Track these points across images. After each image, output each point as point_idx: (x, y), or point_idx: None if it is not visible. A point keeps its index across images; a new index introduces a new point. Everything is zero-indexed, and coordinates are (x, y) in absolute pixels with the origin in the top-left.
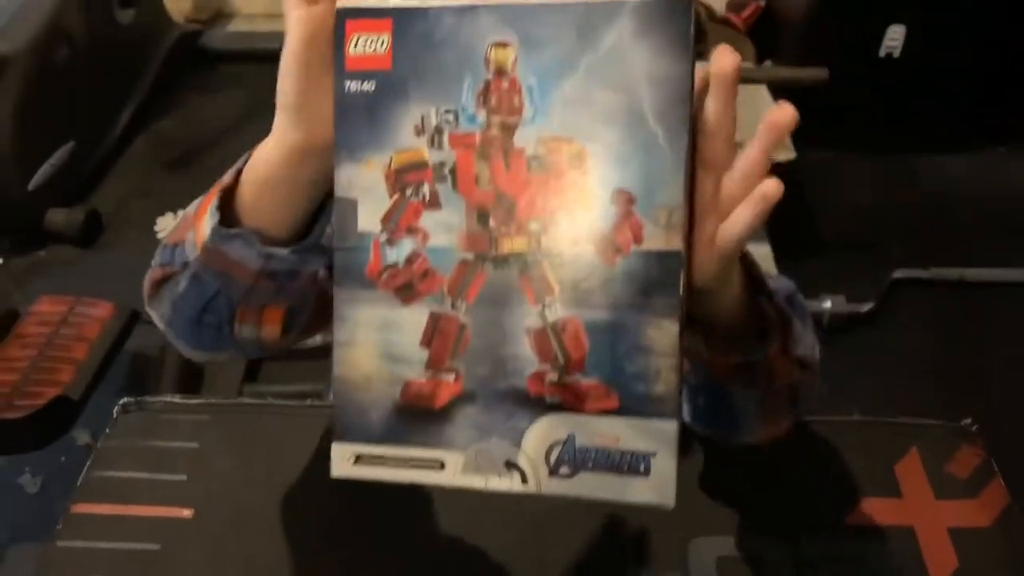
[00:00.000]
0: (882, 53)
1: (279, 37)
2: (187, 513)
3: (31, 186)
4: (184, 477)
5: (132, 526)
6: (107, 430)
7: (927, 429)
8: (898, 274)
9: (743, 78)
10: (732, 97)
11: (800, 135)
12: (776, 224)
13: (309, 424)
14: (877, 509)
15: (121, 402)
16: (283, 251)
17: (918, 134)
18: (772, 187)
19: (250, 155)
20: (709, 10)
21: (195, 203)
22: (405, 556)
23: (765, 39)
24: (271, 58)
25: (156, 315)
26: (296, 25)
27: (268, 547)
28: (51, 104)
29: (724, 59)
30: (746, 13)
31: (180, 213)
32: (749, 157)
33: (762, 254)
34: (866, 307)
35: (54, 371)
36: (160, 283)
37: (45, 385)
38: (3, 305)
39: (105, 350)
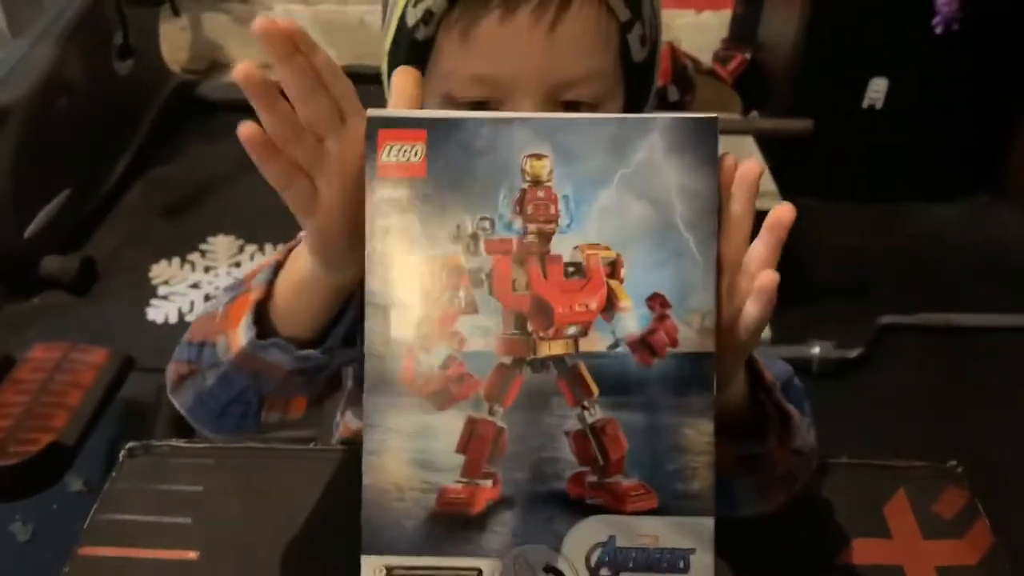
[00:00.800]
0: (865, 104)
1: None
2: (192, 556)
3: (27, 233)
4: (189, 520)
5: (138, 569)
6: (113, 473)
7: (914, 471)
8: (886, 320)
9: (730, 129)
10: (754, 200)
11: (787, 183)
12: None
13: (313, 467)
14: (867, 549)
15: (128, 446)
16: (315, 352)
17: (902, 182)
18: (768, 279)
19: (279, 263)
20: (696, 62)
21: (222, 303)
22: None
23: (751, 91)
24: None
25: (177, 403)
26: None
27: None
28: (49, 153)
29: (749, 165)
30: (732, 65)
31: (174, 260)
32: (758, 255)
33: None
34: (854, 353)
35: (48, 417)
36: (185, 377)
37: (39, 431)
38: None
39: (99, 396)
